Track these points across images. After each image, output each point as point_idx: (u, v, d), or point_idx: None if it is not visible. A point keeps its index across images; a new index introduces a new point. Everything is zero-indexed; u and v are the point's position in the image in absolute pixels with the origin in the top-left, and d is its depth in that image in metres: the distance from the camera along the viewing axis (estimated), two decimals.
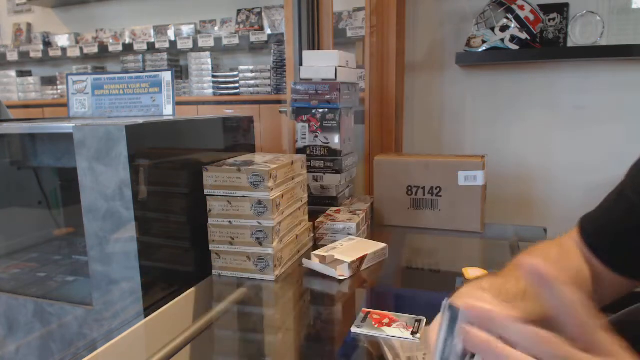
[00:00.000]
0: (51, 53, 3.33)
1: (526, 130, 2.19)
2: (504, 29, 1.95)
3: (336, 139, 1.28)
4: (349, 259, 0.94)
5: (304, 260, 0.99)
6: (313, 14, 1.65)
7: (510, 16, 1.93)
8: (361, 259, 0.97)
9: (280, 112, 2.08)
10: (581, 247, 0.59)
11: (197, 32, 3.10)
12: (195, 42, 2.98)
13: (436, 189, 1.27)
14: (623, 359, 0.34)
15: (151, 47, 3.06)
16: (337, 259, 0.95)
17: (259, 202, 0.89)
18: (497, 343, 0.34)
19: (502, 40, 1.96)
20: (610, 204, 0.58)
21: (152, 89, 1.10)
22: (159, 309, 0.83)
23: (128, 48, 3.11)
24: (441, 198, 1.27)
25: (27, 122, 1.11)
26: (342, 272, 0.93)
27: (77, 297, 0.95)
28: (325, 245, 1.03)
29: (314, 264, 0.97)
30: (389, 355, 0.62)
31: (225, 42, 2.91)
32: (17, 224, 1.21)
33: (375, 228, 1.30)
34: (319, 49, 1.68)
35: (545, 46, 2.09)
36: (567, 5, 2.06)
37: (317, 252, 0.99)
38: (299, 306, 0.87)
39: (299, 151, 1.31)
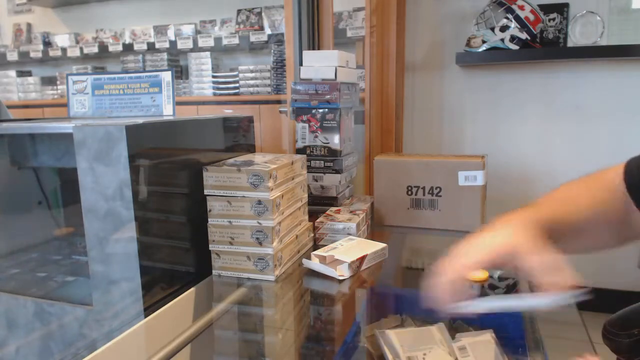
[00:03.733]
0: (51, 53, 3.33)
1: (526, 130, 2.19)
2: (504, 29, 1.95)
3: (336, 139, 1.28)
4: (349, 259, 0.94)
5: (304, 260, 0.99)
6: (313, 14, 1.65)
7: (510, 16, 1.93)
8: (361, 259, 0.97)
9: (280, 112, 2.08)
10: (620, 185, 0.65)
11: (197, 32, 3.10)
12: (195, 42, 2.98)
13: (436, 189, 1.27)
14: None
15: (151, 47, 3.06)
16: (337, 259, 0.95)
17: (259, 202, 0.89)
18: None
19: (502, 40, 1.96)
20: None
21: (152, 89, 1.10)
22: (159, 309, 0.83)
23: (128, 48, 3.11)
24: (441, 198, 1.27)
25: (27, 122, 1.11)
26: (342, 272, 0.93)
27: (77, 297, 0.95)
28: (326, 245, 1.03)
29: (314, 264, 0.97)
30: (389, 355, 0.62)
31: (225, 42, 2.91)
32: (17, 224, 1.21)
33: (375, 228, 1.30)
34: (319, 49, 1.68)
35: (545, 46, 2.09)
36: (567, 5, 2.06)
37: (317, 252, 0.99)
38: (299, 306, 0.87)
39: (299, 151, 1.31)
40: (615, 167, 0.68)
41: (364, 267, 0.98)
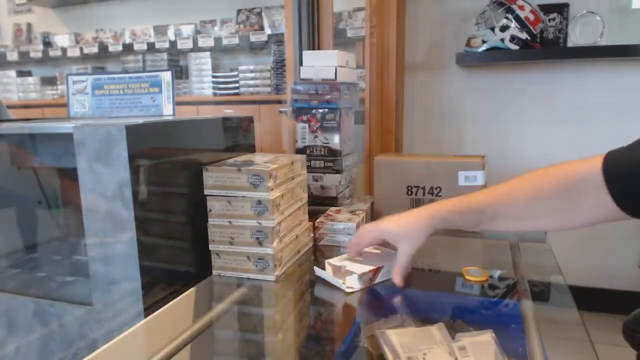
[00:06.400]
0: (51, 53, 3.33)
1: (526, 130, 2.19)
2: (504, 29, 1.95)
3: (336, 139, 1.28)
4: (359, 270, 0.87)
5: (316, 269, 0.94)
6: (313, 14, 1.65)
7: (510, 16, 1.93)
8: (375, 271, 0.89)
9: (280, 112, 2.08)
10: (595, 175, 0.68)
11: (197, 32, 3.10)
12: (195, 42, 2.98)
13: (436, 189, 1.27)
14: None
15: (151, 47, 3.06)
16: (348, 270, 0.88)
17: (259, 202, 0.89)
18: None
19: (502, 40, 1.96)
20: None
21: (152, 89, 1.10)
22: (159, 309, 0.83)
23: (128, 48, 3.12)
24: (441, 198, 1.27)
25: (27, 122, 1.11)
26: (351, 285, 0.86)
27: (77, 297, 0.94)
28: (327, 246, 1.02)
29: (325, 274, 0.90)
30: (389, 355, 0.62)
31: (225, 42, 2.91)
32: (17, 224, 1.21)
33: None
34: (319, 49, 1.68)
35: (545, 46, 2.09)
36: (567, 5, 2.06)
37: (331, 260, 0.93)
38: (299, 306, 0.87)
39: (299, 151, 1.31)
40: (590, 159, 0.71)
41: (378, 280, 0.89)
